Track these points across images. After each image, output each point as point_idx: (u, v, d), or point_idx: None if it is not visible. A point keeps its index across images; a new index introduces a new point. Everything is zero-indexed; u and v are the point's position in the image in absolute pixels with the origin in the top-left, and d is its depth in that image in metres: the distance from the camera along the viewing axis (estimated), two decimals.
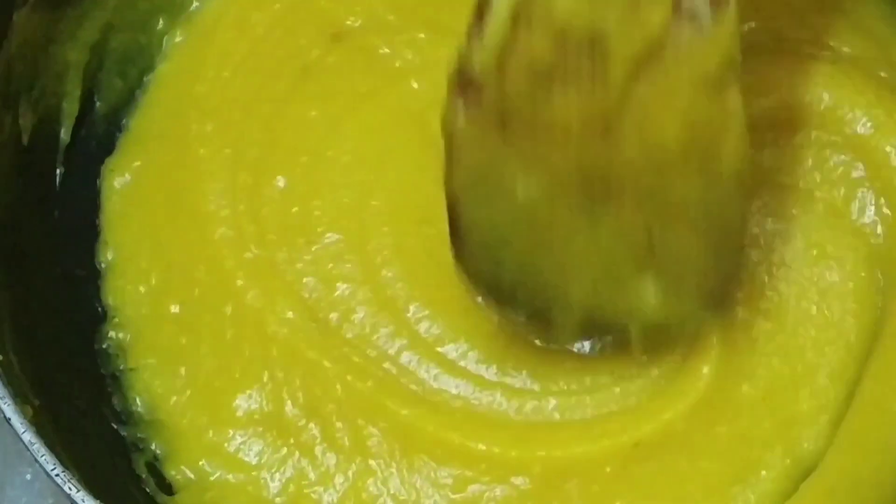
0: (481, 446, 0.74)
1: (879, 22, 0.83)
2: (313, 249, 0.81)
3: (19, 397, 0.68)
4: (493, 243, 0.72)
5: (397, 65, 0.87)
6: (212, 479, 0.77)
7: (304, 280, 0.81)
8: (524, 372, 0.77)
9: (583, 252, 0.70)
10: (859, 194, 0.78)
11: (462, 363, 0.78)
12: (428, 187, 0.81)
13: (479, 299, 0.77)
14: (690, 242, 0.70)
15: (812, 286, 0.77)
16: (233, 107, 0.86)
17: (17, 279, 0.77)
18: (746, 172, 0.69)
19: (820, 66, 0.80)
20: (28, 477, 0.86)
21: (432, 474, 0.75)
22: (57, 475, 0.65)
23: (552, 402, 0.76)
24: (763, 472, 0.73)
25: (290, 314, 0.79)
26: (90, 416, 0.78)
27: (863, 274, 0.77)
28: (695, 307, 0.73)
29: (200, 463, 0.77)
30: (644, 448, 0.74)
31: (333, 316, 0.80)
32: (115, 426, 0.78)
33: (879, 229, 0.78)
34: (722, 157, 0.67)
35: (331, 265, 0.81)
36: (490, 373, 0.78)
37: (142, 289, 0.82)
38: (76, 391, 0.78)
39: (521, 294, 0.74)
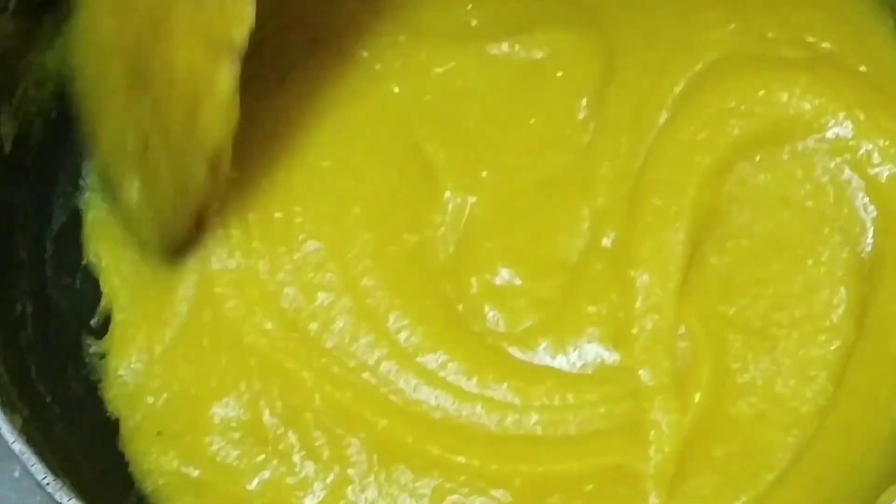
0: (461, 458, 0.77)
1: (859, 13, 0.86)
2: (294, 258, 0.84)
3: (8, 407, 0.71)
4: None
5: (377, 68, 0.89)
6: (191, 482, 0.79)
7: (285, 290, 0.83)
8: (505, 385, 0.79)
9: (127, 116, 0.81)
10: (847, 196, 0.81)
11: (442, 374, 0.80)
12: (410, 193, 0.84)
13: None
14: (168, 171, 0.80)
15: (806, 296, 0.79)
16: None
17: (3, 289, 0.80)
18: (219, 155, 0.77)
19: (800, 74, 0.83)
20: (16, 474, 0.87)
21: (411, 485, 0.77)
22: (48, 484, 0.68)
23: (534, 416, 0.78)
24: (768, 478, 0.76)
25: (269, 325, 0.82)
26: (79, 423, 0.80)
27: (853, 275, 0.79)
28: (163, 230, 0.82)
29: (181, 468, 0.80)
30: (628, 470, 0.76)
31: (313, 326, 0.82)
32: (105, 432, 0.82)
33: (867, 227, 0.81)
34: (199, 118, 0.76)
35: (311, 274, 0.83)
36: (470, 384, 0.80)
37: (124, 290, 0.85)
38: (64, 398, 0.81)
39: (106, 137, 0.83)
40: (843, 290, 0.79)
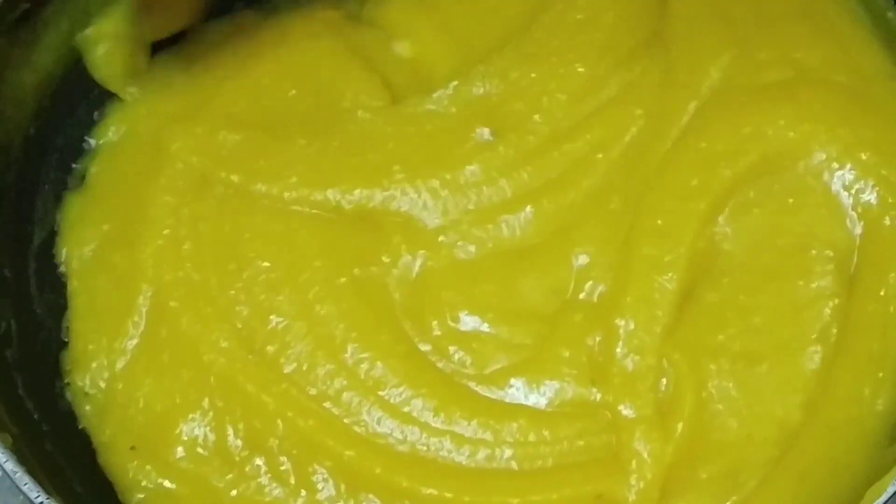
0: (431, 490, 0.78)
1: (841, 19, 0.89)
2: (244, 276, 0.85)
3: None
4: None
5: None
6: (170, 496, 0.81)
7: (237, 308, 0.84)
8: (475, 422, 0.80)
9: None
10: (837, 214, 0.83)
11: (406, 409, 0.81)
12: (359, 230, 0.86)
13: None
14: None
15: (795, 314, 0.81)
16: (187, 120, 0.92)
17: None
18: None
19: (784, 105, 0.84)
20: None
21: None
22: (41, 503, 0.70)
23: (507, 451, 0.79)
24: (753, 484, 0.77)
25: (225, 343, 0.83)
26: (67, 439, 0.82)
27: (841, 287, 0.81)
28: None
29: (159, 481, 0.81)
30: (609, 499, 0.77)
31: (270, 349, 0.83)
32: (93, 447, 0.83)
33: (854, 241, 0.82)
34: None
35: (263, 295, 0.85)
36: (437, 421, 0.81)
37: (84, 294, 0.87)
38: (52, 415, 0.83)
39: None
40: (830, 303, 0.81)
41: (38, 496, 0.70)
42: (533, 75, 0.89)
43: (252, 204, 0.87)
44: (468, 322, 0.84)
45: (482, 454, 0.80)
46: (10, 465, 0.71)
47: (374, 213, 0.87)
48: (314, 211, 0.87)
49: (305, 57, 0.93)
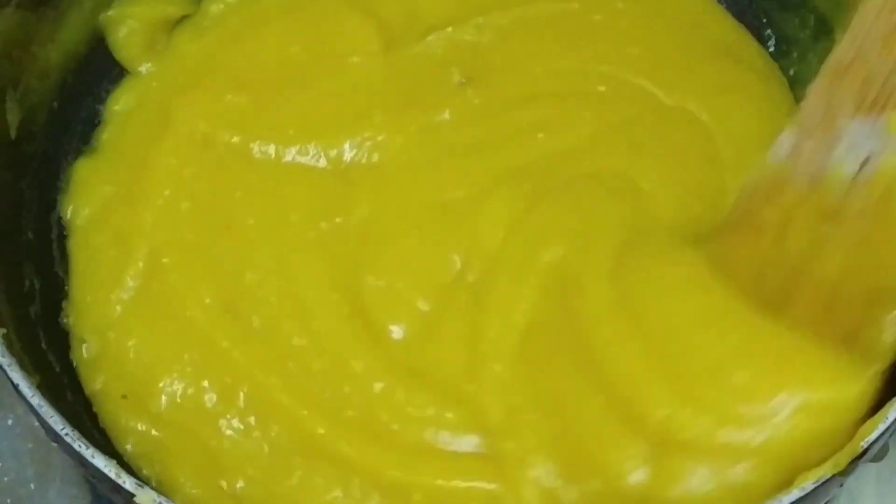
0: (367, 460, 0.79)
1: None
2: (232, 234, 0.89)
3: (24, 371, 0.77)
4: None
5: None
6: (161, 444, 0.83)
7: (222, 265, 0.88)
8: (400, 392, 0.82)
9: None
10: None
11: (345, 373, 0.83)
12: (335, 181, 0.89)
13: None
14: None
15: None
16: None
17: (13, 266, 0.88)
18: None
19: None
20: (10, 422, 0.92)
21: (328, 474, 0.80)
22: (66, 434, 0.73)
23: (447, 433, 0.80)
24: None
25: (207, 300, 0.86)
26: (80, 389, 0.86)
27: None
28: None
29: (150, 431, 0.83)
30: None
31: (243, 306, 0.86)
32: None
33: None
34: None
35: (244, 252, 0.88)
36: (372, 388, 0.82)
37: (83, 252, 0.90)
38: (71, 368, 0.88)
39: None
40: None
41: (64, 428, 0.73)
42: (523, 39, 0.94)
43: (249, 162, 0.91)
44: (388, 280, 0.86)
45: (411, 429, 0.80)
46: (37, 400, 0.74)
47: (349, 164, 0.89)
48: (304, 164, 0.90)
49: (310, 12, 0.97)
